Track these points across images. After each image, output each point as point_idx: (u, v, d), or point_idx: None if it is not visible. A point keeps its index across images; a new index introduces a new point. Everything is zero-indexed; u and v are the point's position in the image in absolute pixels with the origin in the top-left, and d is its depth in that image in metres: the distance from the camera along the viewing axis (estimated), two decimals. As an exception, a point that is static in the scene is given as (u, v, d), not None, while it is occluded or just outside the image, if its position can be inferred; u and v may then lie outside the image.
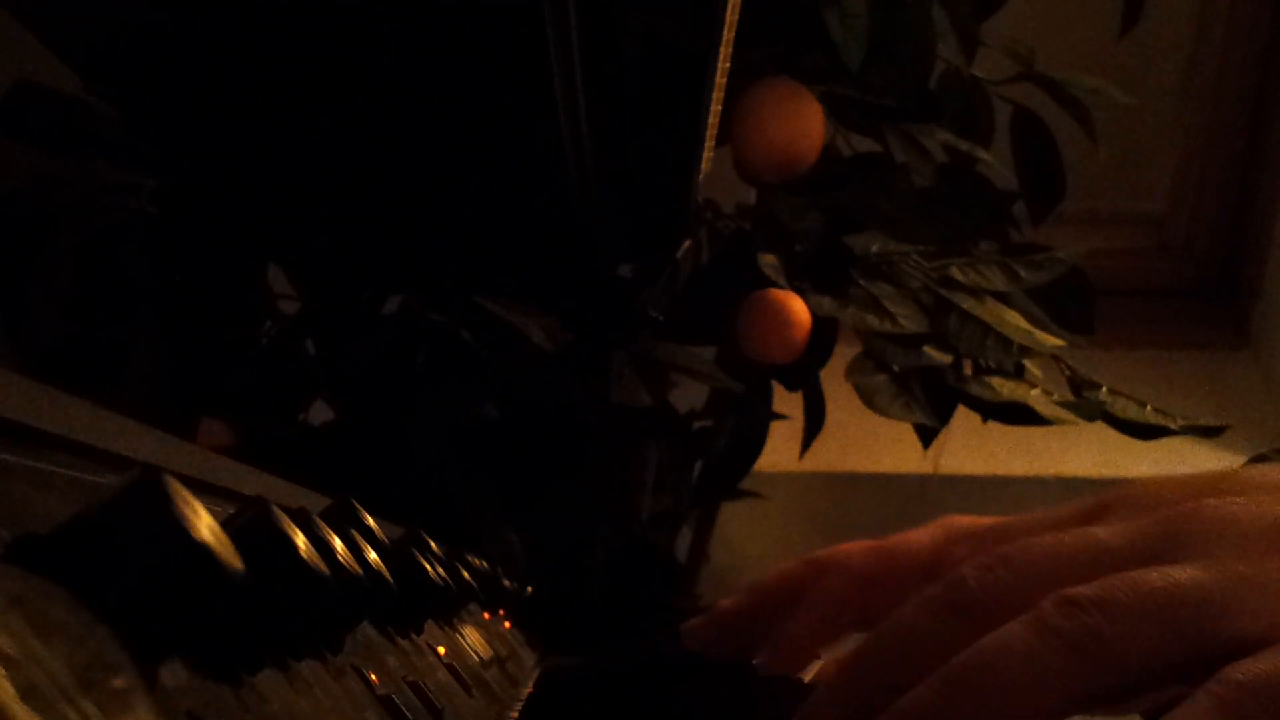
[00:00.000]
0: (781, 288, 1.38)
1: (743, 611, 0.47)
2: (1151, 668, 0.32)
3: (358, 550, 0.36)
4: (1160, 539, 0.35)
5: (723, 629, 0.48)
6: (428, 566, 0.48)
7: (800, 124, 1.34)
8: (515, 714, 0.54)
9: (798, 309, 1.36)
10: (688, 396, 1.52)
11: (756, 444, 1.58)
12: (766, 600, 0.47)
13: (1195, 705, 0.30)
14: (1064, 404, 1.38)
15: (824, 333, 1.42)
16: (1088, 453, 2.15)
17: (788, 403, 1.57)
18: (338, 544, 0.33)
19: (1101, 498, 0.39)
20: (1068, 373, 1.43)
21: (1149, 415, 1.36)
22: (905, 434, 1.47)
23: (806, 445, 1.58)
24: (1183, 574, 0.32)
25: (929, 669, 0.33)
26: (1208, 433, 1.35)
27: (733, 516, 1.85)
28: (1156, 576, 0.32)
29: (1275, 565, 0.33)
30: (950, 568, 0.36)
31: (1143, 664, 0.32)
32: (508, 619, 0.83)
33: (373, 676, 0.37)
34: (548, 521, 1.29)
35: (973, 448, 2.08)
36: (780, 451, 1.60)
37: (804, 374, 1.52)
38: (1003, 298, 1.43)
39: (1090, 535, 0.36)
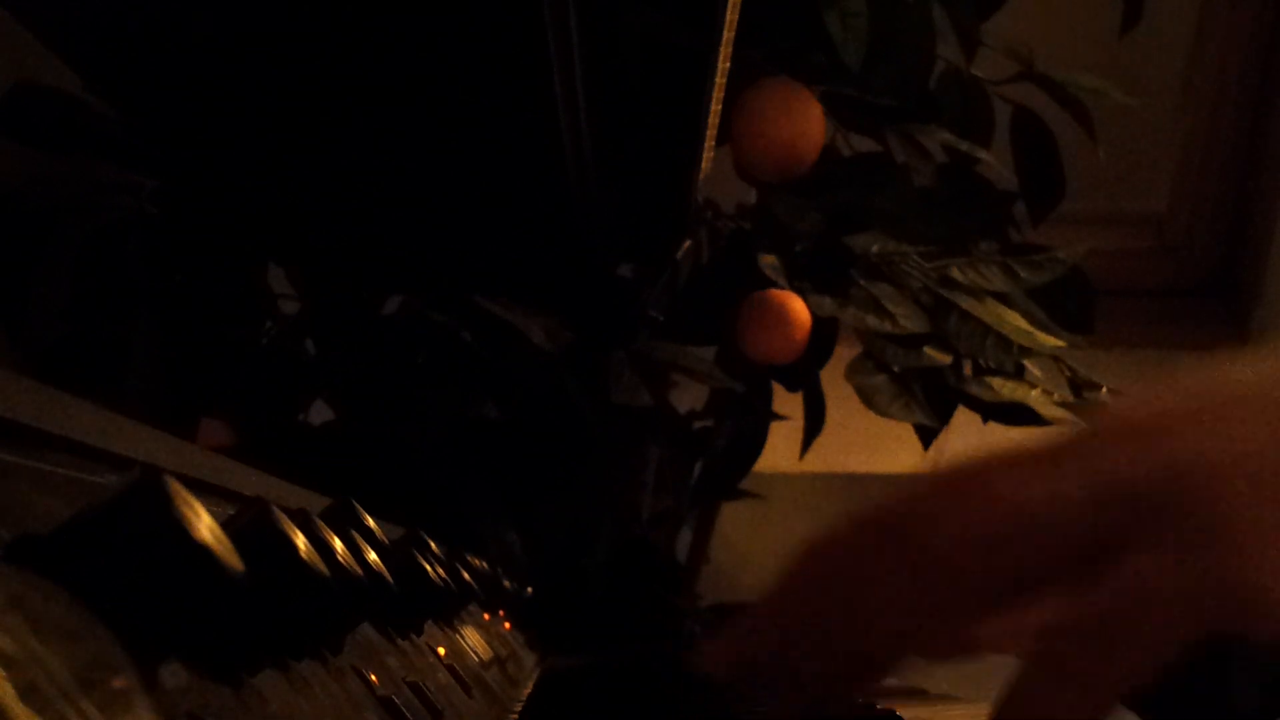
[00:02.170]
0: (781, 288, 1.38)
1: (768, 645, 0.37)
2: (1012, 578, 0.32)
3: (358, 551, 0.36)
4: (1059, 455, 0.34)
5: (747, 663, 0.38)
6: (428, 567, 0.48)
7: (800, 124, 1.34)
8: (515, 714, 0.54)
9: (798, 309, 1.36)
10: (688, 396, 1.52)
11: (756, 444, 1.58)
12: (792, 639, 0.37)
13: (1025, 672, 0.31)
14: (1064, 404, 1.38)
15: (824, 333, 1.42)
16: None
17: (788, 403, 1.57)
18: (338, 544, 0.33)
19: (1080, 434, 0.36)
20: (1068, 373, 1.43)
21: (1149, 415, 1.35)
22: (905, 434, 1.47)
23: (806, 445, 1.58)
24: (1049, 484, 0.32)
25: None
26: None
27: (733, 516, 1.85)
28: (1022, 490, 0.32)
29: (1124, 454, 0.32)
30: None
31: (999, 576, 0.32)
32: (508, 619, 0.83)
33: (373, 677, 0.37)
34: (548, 521, 1.29)
35: (973, 448, 2.08)
36: (780, 451, 1.59)
37: (804, 374, 1.52)
38: (1003, 298, 1.43)
39: (1000, 463, 0.34)
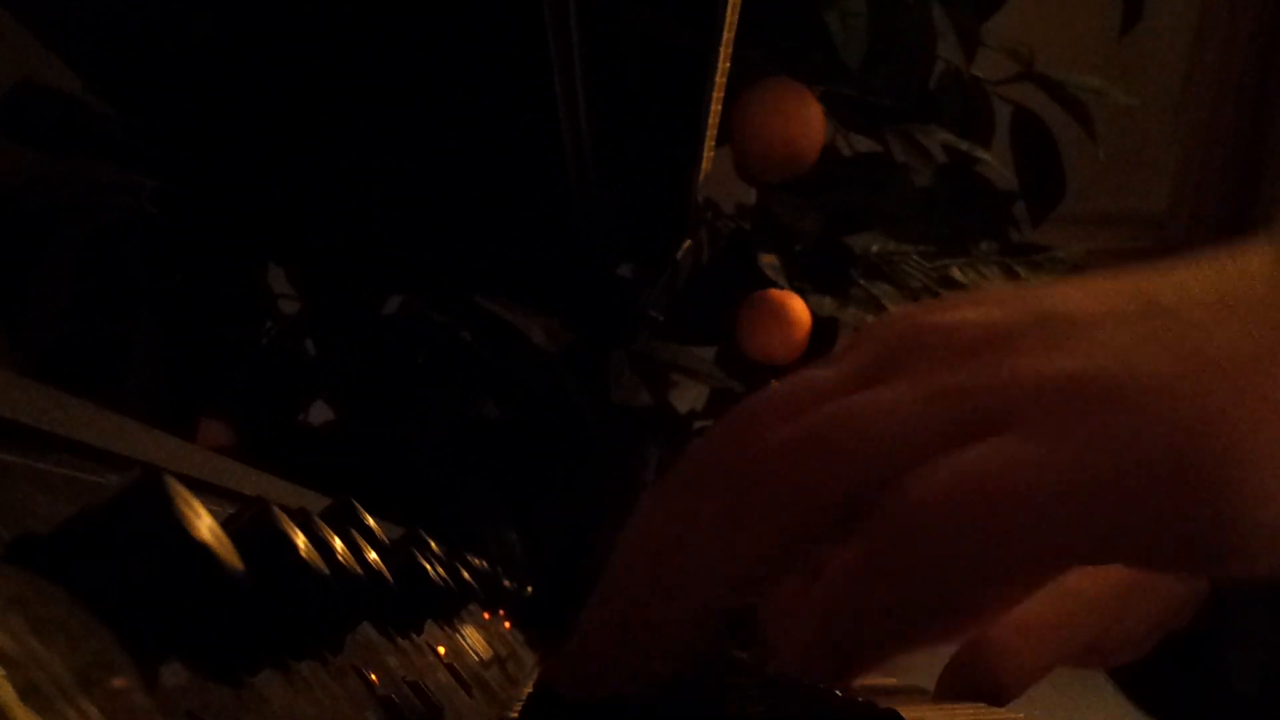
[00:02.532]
0: (781, 288, 1.38)
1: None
2: (833, 501, 0.29)
3: (358, 550, 0.36)
4: (881, 361, 0.32)
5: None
6: (428, 566, 0.48)
7: (800, 124, 1.34)
8: (515, 714, 0.54)
9: (798, 309, 1.37)
10: (688, 396, 1.52)
11: (756, 444, 1.57)
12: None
13: (845, 557, 0.28)
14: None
15: (824, 333, 1.42)
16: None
17: (788, 403, 1.57)
18: (338, 544, 0.33)
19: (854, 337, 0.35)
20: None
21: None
22: (905, 434, 1.47)
23: (806, 445, 1.58)
24: (868, 398, 0.30)
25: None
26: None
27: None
28: (850, 403, 0.30)
29: (974, 369, 0.29)
30: None
31: (821, 499, 0.29)
32: (508, 619, 0.83)
33: (373, 676, 0.37)
34: (548, 521, 1.29)
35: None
36: (780, 451, 1.59)
37: (804, 374, 1.52)
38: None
39: (810, 374, 0.33)
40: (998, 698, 0.59)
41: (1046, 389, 0.29)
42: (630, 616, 0.32)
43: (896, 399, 0.30)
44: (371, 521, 0.44)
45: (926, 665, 0.55)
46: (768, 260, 1.40)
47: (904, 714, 0.50)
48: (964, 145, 1.46)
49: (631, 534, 0.33)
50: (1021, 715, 0.59)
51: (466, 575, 0.61)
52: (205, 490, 0.36)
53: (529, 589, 1.05)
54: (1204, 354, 0.29)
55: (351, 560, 0.33)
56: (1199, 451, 0.28)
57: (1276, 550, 0.28)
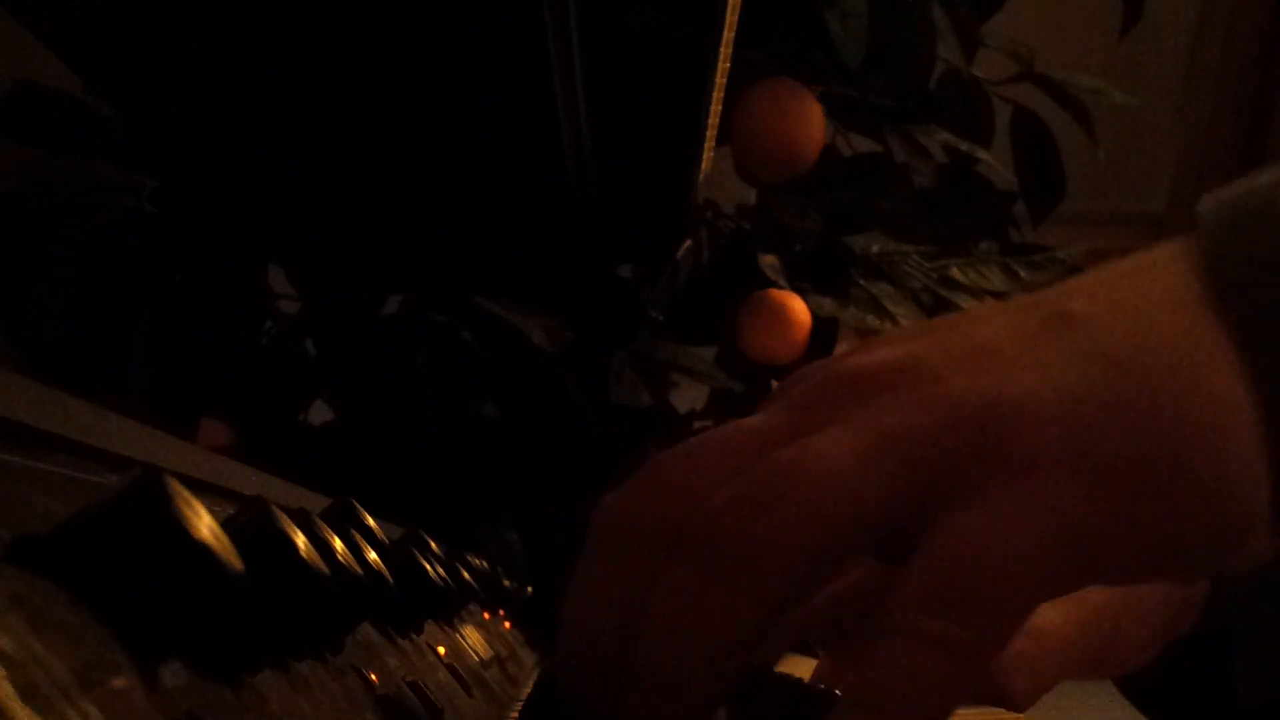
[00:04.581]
0: (781, 288, 1.38)
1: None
2: (815, 557, 0.28)
3: (358, 550, 0.36)
4: (803, 411, 0.31)
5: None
6: (428, 566, 0.48)
7: (800, 124, 1.34)
8: (515, 714, 0.54)
9: (798, 309, 1.37)
10: (688, 396, 1.52)
11: (756, 444, 1.58)
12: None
13: (890, 650, 0.27)
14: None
15: (824, 333, 1.42)
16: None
17: (788, 403, 1.57)
18: (338, 544, 0.33)
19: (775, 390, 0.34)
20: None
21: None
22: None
23: (806, 445, 1.58)
24: (821, 442, 0.29)
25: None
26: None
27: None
28: (789, 454, 0.29)
29: (896, 405, 0.29)
30: None
31: (800, 558, 0.28)
32: (508, 619, 0.83)
33: (373, 676, 0.37)
34: (548, 521, 1.29)
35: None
36: (780, 451, 1.59)
37: (804, 374, 1.52)
38: (1003, 298, 1.43)
39: (736, 427, 0.32)
40: (1013, 706, 0.59)
41: (973, 415, 0.29)
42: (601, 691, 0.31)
43: (836, 443, 0.29)
44: (371, 521, 0.44)
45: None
46: (768, 260, 1.40)
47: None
48: (964, 145, 1.46)
49: (582, 605, 0.31)
50: (1022, 718, 0.59)
51: (466, 575, 0.61)
52: (205, 490, 0.36)
53: (529, 589, 1.05)
54: (1108, 355, 0.29)
55: (351, 560, 0.33)
56: (1172, 451, 0.28)
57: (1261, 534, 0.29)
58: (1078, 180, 1.60)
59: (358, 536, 0.38)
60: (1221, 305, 0.30)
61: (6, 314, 1.00)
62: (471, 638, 0.62)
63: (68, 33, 0.91)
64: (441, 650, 0.51)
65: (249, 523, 0.28)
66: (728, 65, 1.04)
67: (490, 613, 0.77)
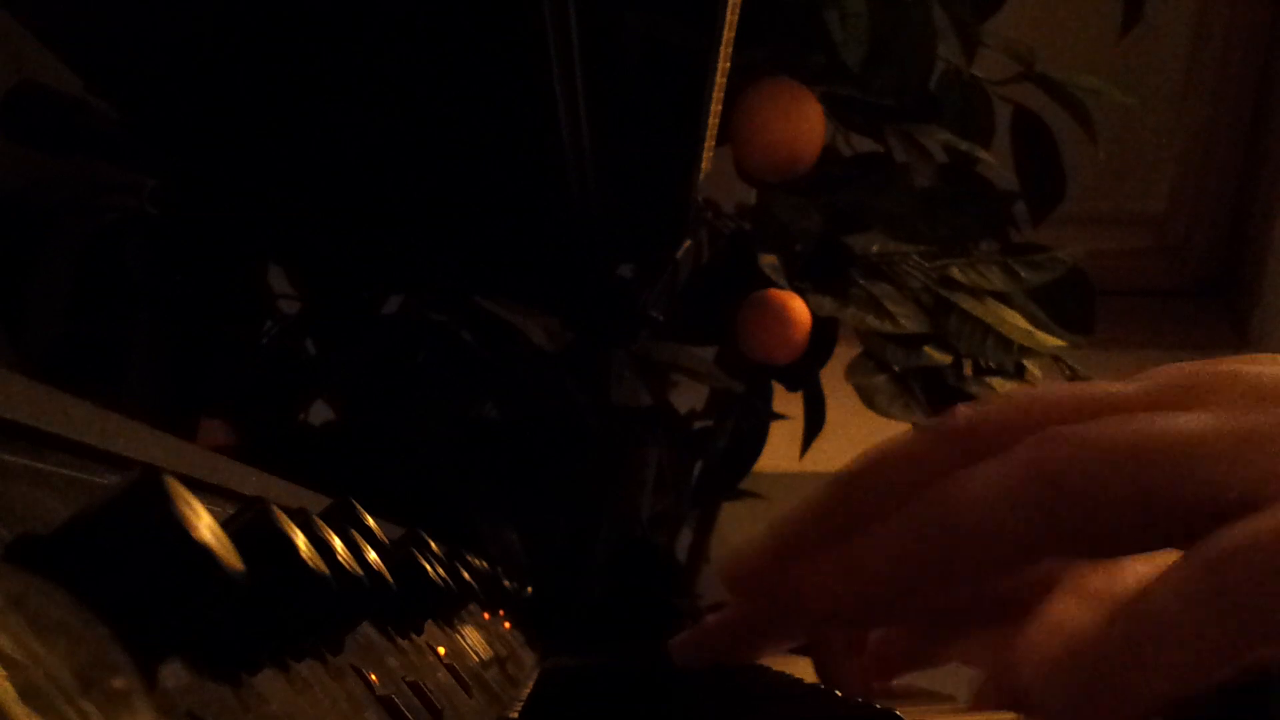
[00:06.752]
0: (781, 288, 1.39)
1: (730, 624, 0.38)
2: (1129, 513, 0.28)
3: (358, 550, 0.36)
4: (1180, 390, 0.31)
5: (713, 646, 0.38)
6: (428, 566, 0.48)
7: (800, 124, 1.34)
8: (515, 714, 0.54)
9: (798, 309, 1.37)
10: (688, 396, 1.52)
11: (756, 444, 1.58)
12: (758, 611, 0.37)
13: (1177, 572, 0.26)
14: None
15: (824, 333, 1.42)
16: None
17: (788, 403, 1.57)
18: (338, 544, 0.33)
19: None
20: (1068, 373, 1.43)
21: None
22: (905, 434, 1.47)
23: (806, 445, 1.58)
24: (1186, 419, 0.29)
25: (908, 497, 0.31)
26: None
27: (733, 516, 1.85)
28: (1157, 419, 0.29)
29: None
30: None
31: (1117, 507, 0.28)
32: (508, 619, 0.83)
33: (373, 676, 0.37)
34: (548, 521, 1.29)
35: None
36: (780, 451, 1.59)
37: (804, 374, 1.52)
38: (1003, 298, 1.43)
39: (1104, 385, 0.32)
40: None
41: None
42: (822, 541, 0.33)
43: (1208, 426, 0.29)
44: (371, 521, 0.44)
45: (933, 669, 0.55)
46: (768, 260, 1.40)
47: (904, 715, 0.50)
48: (964, 145, 1.46)
49: (876, 457, 0.33)
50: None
51: (466, 575, 0.61)
52: (205, 490, 0.36)
53: (529, 589, 1.05)
54: None
55: (351, 560, 0.33)
56: None
57: None
58: (1078, 180, 1.60)
59: (358, 536, 0.38)
60: None
61: (6, 314, 1.00)
62: (471, 638, 0.62)
63: (68, 33, 0.91)
64: (441, 650, 0.51)
65: (249, 523, 0.28)
66: (728, 65, 1.04)
67: (490, 613, 0.77)
